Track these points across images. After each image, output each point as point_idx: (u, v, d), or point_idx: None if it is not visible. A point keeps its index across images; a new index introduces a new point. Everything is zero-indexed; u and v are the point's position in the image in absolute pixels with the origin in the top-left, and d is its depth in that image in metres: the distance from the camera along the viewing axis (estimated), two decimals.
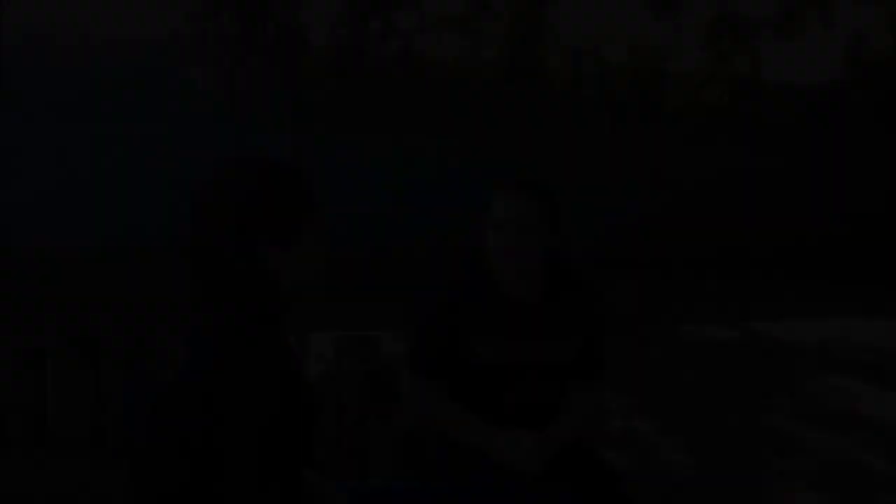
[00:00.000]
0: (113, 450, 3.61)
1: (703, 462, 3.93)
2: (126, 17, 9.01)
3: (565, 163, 10.27)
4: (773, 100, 10.87)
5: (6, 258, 7.55)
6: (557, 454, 2.01)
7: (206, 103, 7.84)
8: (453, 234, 9.91)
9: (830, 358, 6.28)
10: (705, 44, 8.66)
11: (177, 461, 1.29)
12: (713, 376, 5.54)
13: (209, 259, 1.38)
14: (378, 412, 2.90)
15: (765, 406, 4.91)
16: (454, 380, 2.09)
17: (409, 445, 2.87)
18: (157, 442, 1.32)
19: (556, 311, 2.11)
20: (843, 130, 11.86)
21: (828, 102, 11.86)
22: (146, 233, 8.93)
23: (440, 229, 10.04)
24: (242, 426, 1.25)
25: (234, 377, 1.25)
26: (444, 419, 2.06)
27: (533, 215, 2.03)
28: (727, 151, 11.04)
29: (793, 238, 11.85)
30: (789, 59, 15.53)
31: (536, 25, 9.33)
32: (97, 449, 3.65)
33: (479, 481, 1.97)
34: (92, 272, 7.88)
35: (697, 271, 9.93)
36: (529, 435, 1.96)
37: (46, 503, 3.16)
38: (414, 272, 8.69)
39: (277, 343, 1.37)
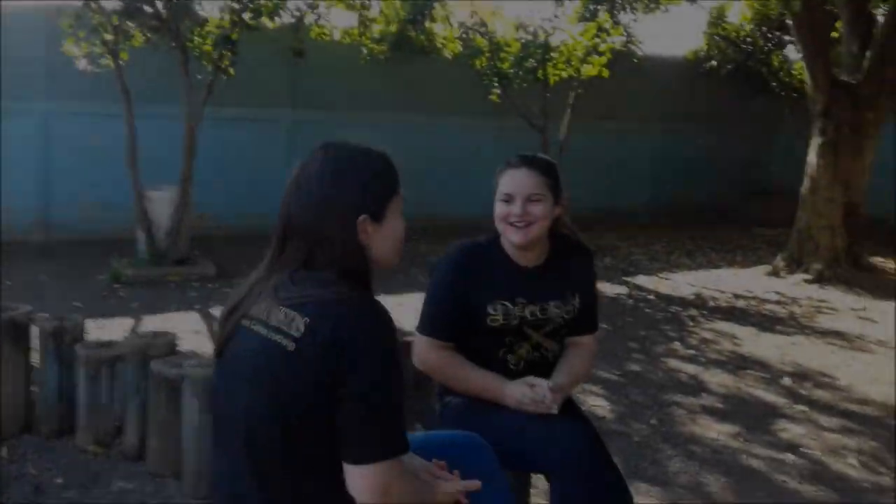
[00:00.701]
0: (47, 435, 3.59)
1: (619, 406, 4.31)
2: None
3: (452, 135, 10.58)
4: (646, 70, 11.53)
5: None
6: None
7: (89, 79, 7.54)
8: None
9: (709, 307, 6.94)
10: (584, 20, 9.16)
11: (303, 419, 1.42)
12: (611, 328, 6.00)
13: (314, 234, 1.53)
14: None
15: (663, 352, 5.42)
16: (463, 340, 2.27)
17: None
18: (280, 407, 1.43)
19: (558, 275, 2.33)
20: (704, 97, 12.82)
21: (692, 72, 12.77)
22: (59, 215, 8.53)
23: None
24: (392, 380, 1.43)
25: (380, 338, 1.43)
26: (456, 373, 2.24)
27: (538, 188, 2.24)
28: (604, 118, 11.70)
29: (660, 196, 12.71)
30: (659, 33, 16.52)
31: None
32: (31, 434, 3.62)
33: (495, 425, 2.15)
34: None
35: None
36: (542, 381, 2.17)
37: None
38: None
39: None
